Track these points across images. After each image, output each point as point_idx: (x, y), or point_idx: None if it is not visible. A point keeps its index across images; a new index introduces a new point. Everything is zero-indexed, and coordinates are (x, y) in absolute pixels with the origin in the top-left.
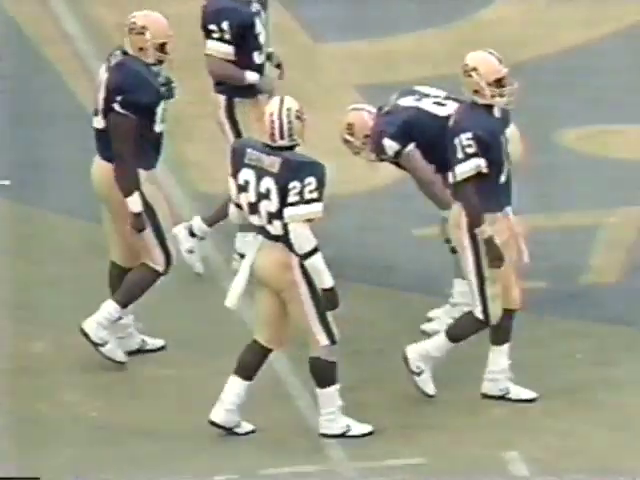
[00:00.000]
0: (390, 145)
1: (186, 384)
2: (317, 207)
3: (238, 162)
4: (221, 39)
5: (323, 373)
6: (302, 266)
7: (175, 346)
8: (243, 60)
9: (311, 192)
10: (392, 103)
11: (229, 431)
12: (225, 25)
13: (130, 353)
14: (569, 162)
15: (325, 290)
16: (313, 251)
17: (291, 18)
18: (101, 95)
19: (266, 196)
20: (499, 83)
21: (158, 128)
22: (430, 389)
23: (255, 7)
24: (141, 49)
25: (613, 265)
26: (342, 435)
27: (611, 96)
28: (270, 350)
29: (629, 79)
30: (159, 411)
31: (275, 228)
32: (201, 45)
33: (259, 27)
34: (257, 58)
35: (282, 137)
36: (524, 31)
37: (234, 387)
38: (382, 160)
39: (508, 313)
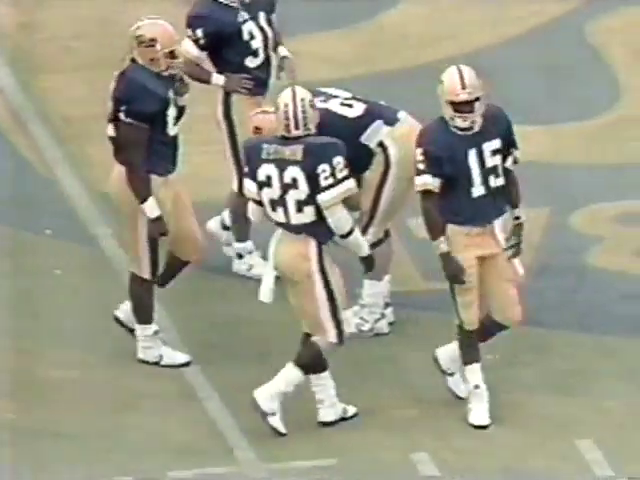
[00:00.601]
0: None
1: (90, 386)
2: (350, 183)
3: (255, 159)
4: (196, 42)
5: (310, 359)
6: (320, 260)
7: (81, 347)
8: (227, 64)
9: (341, 170)
10: None
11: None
12: (199, 32)
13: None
14: None
15: (363, 258)
16: (352, 230)
17: None
18: (109, 104)
19: (293, 186)
20: (454, 105)
21: (172, 131)
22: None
23: (242, 16)
24: (152, 59)
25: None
26: (263, 414)
27: (516, 97)
28: None
29: (534, 80)
30: (63, 413)
31: (306, 216)
32: (109, 47)
33: (250, 32)
34: (250, 62)
35: (297, 127)
36: (429, 32)
37: (319, 384)
38: None
39: (495, 323)
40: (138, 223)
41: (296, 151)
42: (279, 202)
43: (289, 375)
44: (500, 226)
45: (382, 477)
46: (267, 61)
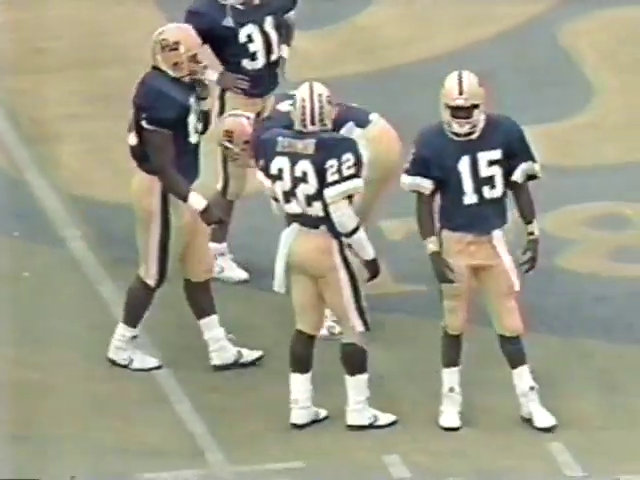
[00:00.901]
0: None
1: (62, 388)
2: (357, 182)
3: (269, 152)
4: None
5: (355, 360)
6: (341, 251)
7: (53, 349)
8: (225, 63)
9: (349, 168)
10: (269, 108)
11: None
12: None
13: (226, 366)
14: None
15: (368, 262)
16: (356, 228)
17: (166, 19)
18: (130, 112)
19: (303, 179)
20: (451, 110)
21: (193, 139)
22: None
23: (228, 21)
24: (176, 64)
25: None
26: (370, 426)
27: (490, 98)
28: (315, 337)
29: (507, 81)
30: (35, 415)
31: (315, 210)
32: (80, 49)
33: (249, 36)
34: (248, 64)
35: (313, 123)
36: (402, 34)
37: (298, 384)
38: None
39: (502, 339)
40: (150, 230)
41: (308, 145)
42: (291, 194)
43: (354, 386)
44: (500, 237)
45: (353, 479)
46: (269, 65)
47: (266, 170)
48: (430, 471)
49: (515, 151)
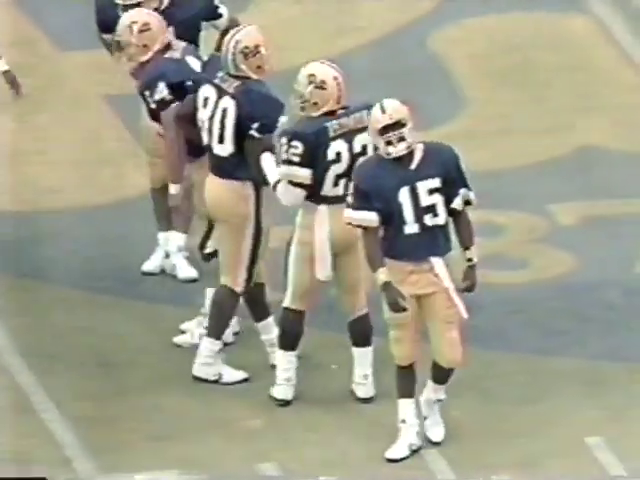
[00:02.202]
0: (161, 90)
1: None
2: None
3: (322, 141)
4: None
5: (367, 331)
6: None
7: None
8: None
9: None
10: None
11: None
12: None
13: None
14: None
15: None
16: None
17: (34, 26)
18: (229, 122)
19: (363, 153)
20: (381, 133)
21: None
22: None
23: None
24: (259, 67)
25: (367, 276)
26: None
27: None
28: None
29: (378, 89)
30: None
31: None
32: None
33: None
34: None
35: (343, 99)
36: (275, 40)
37: (287, 362)
38: (144, 101)
39: (436, 364)
40: (245, 235)
41: (362, 117)
42: (343, 175)
43: (362, 356)
44: (442, 265)
45: None
46: None
47: (319, 158)
48: (306, 478)
49: (453, 178)
